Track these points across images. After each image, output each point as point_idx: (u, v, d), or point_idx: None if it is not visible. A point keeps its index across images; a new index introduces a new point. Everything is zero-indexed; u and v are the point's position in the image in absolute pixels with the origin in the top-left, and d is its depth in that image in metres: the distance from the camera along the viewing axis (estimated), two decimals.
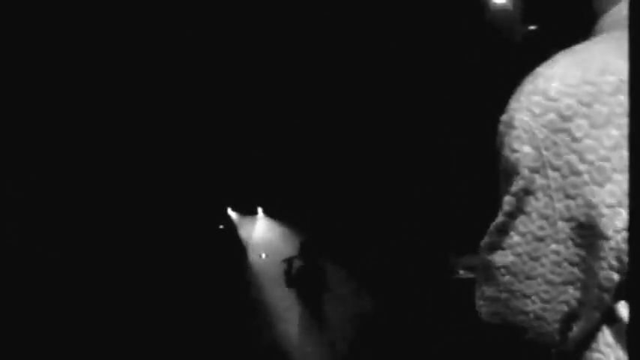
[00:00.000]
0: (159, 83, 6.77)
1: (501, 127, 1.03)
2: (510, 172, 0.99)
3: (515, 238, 0.98)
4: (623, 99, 0.90)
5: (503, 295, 1.01)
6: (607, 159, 0.90)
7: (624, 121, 0.89)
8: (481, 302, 1.06)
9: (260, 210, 7.98)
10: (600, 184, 0.89)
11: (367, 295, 7.52)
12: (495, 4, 6.12)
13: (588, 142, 0.91)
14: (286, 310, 7.71)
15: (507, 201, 0.99)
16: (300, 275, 7.30)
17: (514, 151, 0.98)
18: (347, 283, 7.63)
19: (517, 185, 0.97)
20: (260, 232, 7.84)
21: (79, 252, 6.14)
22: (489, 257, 1.01)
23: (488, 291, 1.03)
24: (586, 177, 0.91)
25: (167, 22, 6.40)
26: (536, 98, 0.99)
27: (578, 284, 0.93)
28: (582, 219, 0.91)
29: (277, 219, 7.88)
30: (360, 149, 7.33)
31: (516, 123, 0.99)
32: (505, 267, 1.00)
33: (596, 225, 0.89)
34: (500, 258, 1.00)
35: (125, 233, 6.95)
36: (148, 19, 6.30)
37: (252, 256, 7.63)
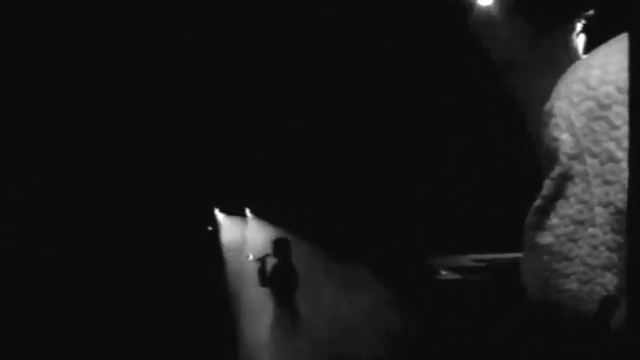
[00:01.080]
0: (145, 86, 6.75)
1: (543, 116, 1.08)
2: (551, 158, 1.03)
3: (554, 220, 1.01)
4: None
5: (544, 273, 1.04)
6: None
7: None
8: (525, 278, 1.09)
9: (248, 211, 7.96)
10: None
11: (346, 296, 7.55)
12: (480, 6, 6.17)
13: (627, 129, 0.90)
14: (266, 309, 7.70)
15: (547, 185, 1.03)
16: (274, 274, 7.25)
17: (554, 139, 1.01)
18: (328, 283, 7.64)
19: (556, 171, 1.01)
20: (248, 233, 7.82)
21: (73, 252, 6.11)
22: (532, 236, 1.05)
23: (531, 268, 1.06)
24: (624, 164, 0.91)
25: (150, 24, 6.40)
26: (575, 87, 1.02)
27: (616, 270, 0.94)
28: (620, 205, 0.92)
29: (265, 219, 7.87)
30: (344, 150, 7.35)
31: (556, 111, 1.03)
32: (545, 246, 1.03)
33: None
34: (540, 238, 1.03)
35: (115, 233, 6.92)
36: (135, 17, 6.29)
37: (241, 257, 7.60)
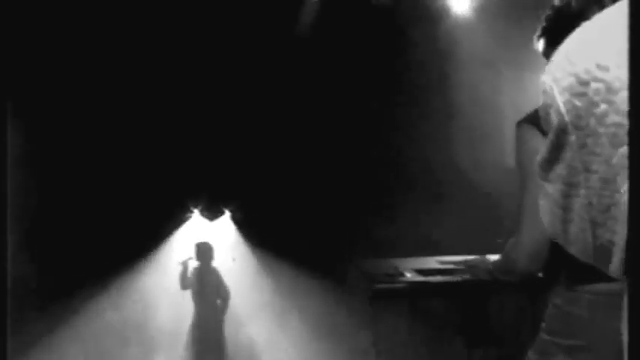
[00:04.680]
0: (129, 85, 6.78)
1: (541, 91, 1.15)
2: (547, 126, 1.11)
3: (552, 175, 1.10)
4: None
5: (549, 216, 1.14)
6: (621, 125, 0.91)
7: None
8: (542, 216, 1.19)
9: (227, 213, 8.02)
10: (616, 147, 0.93)
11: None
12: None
13: (604, 106, 0.93)
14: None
15: (546, 145, 1.12)
16: (195, 277, 7.34)
17: (546, 113, 1.09)
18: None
19: (548, 139, 1.10)
20: (228, 236, 7.85)
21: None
22: (541, 183, 1.16)
23: (545, 207, 1.16)
24: (605, 139, 0.94)
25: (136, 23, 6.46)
26: (559, 63, 1.04)
27: (607, 225, 0.99)
28: (605, 175, 0.97)
29: (245, 222, 7.92)
30: (328, 152, 7.46)
31: (542, 87, 1.10)
32: (549, 194, 1.12)
33: (615, 181, 0.95)
34: (547, 185, 1.14)
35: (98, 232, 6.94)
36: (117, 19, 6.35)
37: (222, 260, 7.58)
